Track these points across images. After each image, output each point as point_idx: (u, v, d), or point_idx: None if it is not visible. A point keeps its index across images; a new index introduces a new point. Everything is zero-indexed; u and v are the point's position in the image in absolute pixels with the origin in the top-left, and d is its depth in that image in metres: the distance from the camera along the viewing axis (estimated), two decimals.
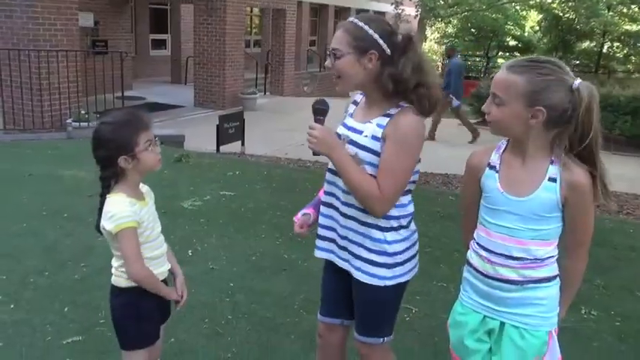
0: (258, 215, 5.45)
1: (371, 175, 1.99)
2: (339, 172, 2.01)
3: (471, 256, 1.95)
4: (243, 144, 9.06)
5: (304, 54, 21.58)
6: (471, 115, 15.37)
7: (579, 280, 1.93)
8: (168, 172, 6.87)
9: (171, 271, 2.26)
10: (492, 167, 1.88)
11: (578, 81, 1.71)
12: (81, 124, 8.79)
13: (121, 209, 1.98)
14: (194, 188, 6.23)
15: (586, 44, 27.61)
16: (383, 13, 27.01)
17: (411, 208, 2.11)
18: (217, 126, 8.57)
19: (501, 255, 1.83)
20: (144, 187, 2.19)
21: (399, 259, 2.06)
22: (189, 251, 4.47)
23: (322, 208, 2.21)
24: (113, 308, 2.18)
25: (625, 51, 27.11)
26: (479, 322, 1.93)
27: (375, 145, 1.99)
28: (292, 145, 9.63)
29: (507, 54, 31.06)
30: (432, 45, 34.33)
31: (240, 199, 5.96)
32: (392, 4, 22.44)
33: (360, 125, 2.05)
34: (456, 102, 10.90)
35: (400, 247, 2.06)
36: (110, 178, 2.03)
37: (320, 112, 2.02)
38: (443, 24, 29.73)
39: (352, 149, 2.03)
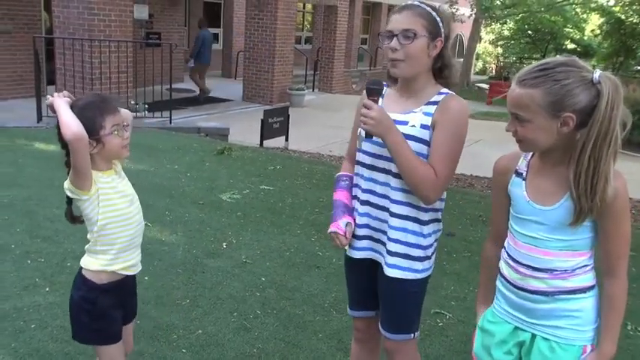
0: (295, 211, 5.41)
1: None
2: (392, 156, 1.92)
3: (501, 265, 1.85)
4: (287, 139, 9.05)
5: (355, 51, 21.45)
6: None
7: (621, 302, 1.71)
8: (209, 164, 6.92)
9: None
10: (519, 174, 1.77)
11: (597, 73, 1.57)
12: None
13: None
14: (234, 181, 6.23)
15: None
16: None
17: (443, 203, 2.11)
18: (262, 120, 8.59)
19: (529, 266, 1.73)
20: (117, 167, 2.15)
21: (429, 252, 2.06)
22: (224, 244, 4.46)
23: (360, 207, 2.13)
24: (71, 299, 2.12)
25: None
26: (509, 333, 1.83)
27: (425, 134, 1.94)
28: (337, 143, 9.58)
29: None
30: (486, 46, 33.68)
31: (279, 193, 5.94)
32: (447, 2, 22.13)
33: (402, 116, 1.98)
34: (191, 63, 12.85)
35: (432, 239, 2.07)
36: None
37: (375, 92, 1.97)
38: (498, 25, 29.15)
39: None
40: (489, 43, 32.94)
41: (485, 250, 1.98)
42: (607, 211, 1.61)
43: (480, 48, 32.03)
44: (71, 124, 1.84)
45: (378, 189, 2.05)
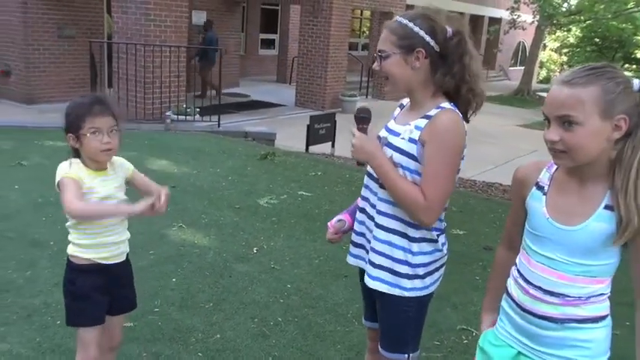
0: (330, 218, 5.35)
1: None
2: (381, 181, 1.92)
3: (509, 284, 1.73)
4: (333, 145, 9.02)
5: None
6: None
7: None
8: (251, 168, 6.98)
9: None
10: (540, 187, 1.64)
11: (637, 80, 1.46)
12: (179, 117, 9.17)
13: (61, 167, 2.12)
14: (273, 186, 6.26)
15: None
16: (498, 19, 26.03)
17: (441, 224, 2.01)
18: (308, 126, 8.60)
19: (540, 288, 1.60)
20: (117, 160, 2.28)
21: (420, 271, 1.96)
22: (255, 249, 4.47)
23: (357, 214, 2.13)
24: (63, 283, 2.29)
25: None
26: (511, 358, 1.71)
27: (411, 148, 1.89)
28: None
29: (635, 66, 28.93)
30: (550, 54, 32.67)
31: (316, 200, 5.92)
32: (508, 9, 21.60)
33: (399, 127, 1.97)
34: (195, 61, 12.35)
35: (423, 259, 1.97)
36: (72, 149, 2.16)
37: (362, 120, 1.98)
38: (564, 32, 28.23)
39: (388, 151, 1.95)
40: (553, 51, 31.91)
41: (498, 256, 1.89)
42: None
43: (544, 56, 31.09)
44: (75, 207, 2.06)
45: (372, 198, 2.02)
